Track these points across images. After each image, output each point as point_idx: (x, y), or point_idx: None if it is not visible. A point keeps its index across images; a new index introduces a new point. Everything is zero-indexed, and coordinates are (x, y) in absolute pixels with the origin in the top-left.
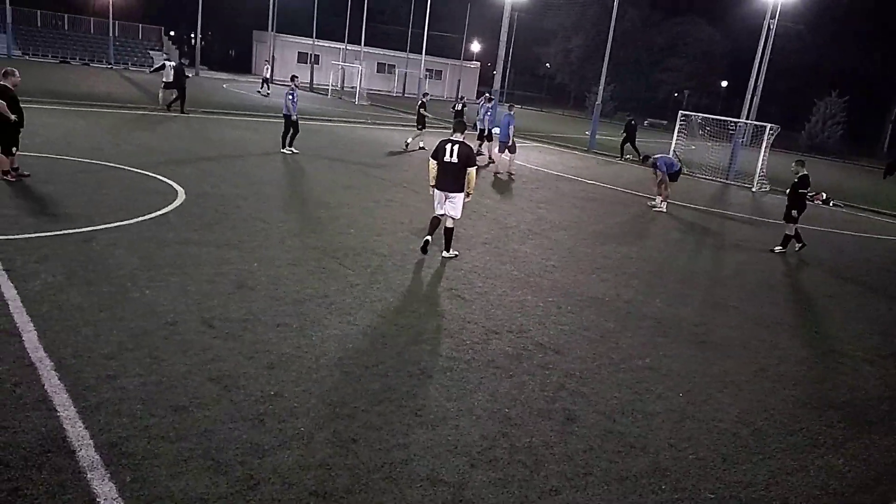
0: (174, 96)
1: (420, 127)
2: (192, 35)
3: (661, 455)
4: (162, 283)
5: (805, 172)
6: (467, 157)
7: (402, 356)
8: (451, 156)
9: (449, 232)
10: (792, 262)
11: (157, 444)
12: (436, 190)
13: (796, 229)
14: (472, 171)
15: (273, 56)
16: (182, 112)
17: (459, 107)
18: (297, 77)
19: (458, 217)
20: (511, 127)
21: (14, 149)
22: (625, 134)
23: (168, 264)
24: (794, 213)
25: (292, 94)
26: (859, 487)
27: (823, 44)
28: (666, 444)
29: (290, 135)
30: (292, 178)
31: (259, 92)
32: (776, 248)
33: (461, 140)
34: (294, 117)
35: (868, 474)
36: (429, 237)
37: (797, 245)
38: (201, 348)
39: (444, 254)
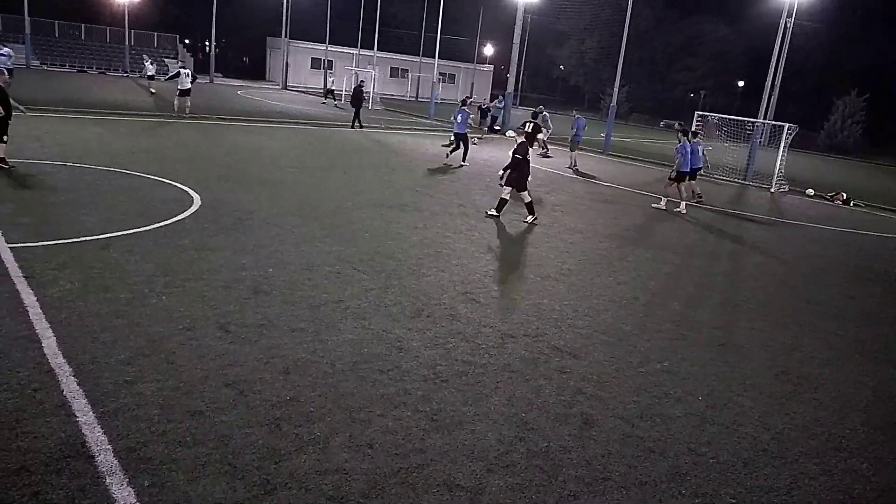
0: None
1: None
2: (207, 43)
3: (681, 459)
4: (178, 288)
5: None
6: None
7: (418, 360)
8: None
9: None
10: (812, 263)
11: (175, 449)
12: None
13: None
14: None
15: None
16: (361, 127)
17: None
18: (468, 98)
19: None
20: (697, 154)
21: (5, 137)
22: None
23: (184, 270)
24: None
25: (462, 114)
26: (883, 491)
27: (841, 42)
28: (685, 448)
29: (463, 150)
30: (307, 183)
31: (324, 103)
32: (490, 209)
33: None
34: (461, 132)
35: (893, 478)
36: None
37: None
38: (217, 353)
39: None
